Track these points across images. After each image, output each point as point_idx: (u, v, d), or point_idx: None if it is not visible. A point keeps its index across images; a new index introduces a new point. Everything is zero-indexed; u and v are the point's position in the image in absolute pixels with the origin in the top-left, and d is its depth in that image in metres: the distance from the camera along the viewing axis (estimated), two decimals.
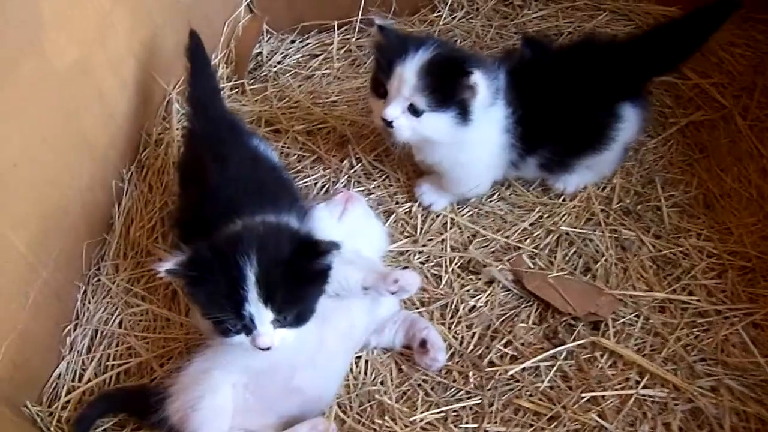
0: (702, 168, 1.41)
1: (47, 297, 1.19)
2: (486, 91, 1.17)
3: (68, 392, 1.18)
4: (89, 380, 1.19)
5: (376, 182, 1.42)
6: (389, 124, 1.18)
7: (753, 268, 1.26)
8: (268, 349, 0.98)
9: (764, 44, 1.59)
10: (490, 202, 1.38)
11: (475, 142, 1.24)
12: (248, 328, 0.98)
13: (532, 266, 1.28)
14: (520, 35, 1.36)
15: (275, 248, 0.97)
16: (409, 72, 1.15)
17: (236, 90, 1.63)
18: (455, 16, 1.67)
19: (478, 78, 1.14)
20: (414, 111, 1.17)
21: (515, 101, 1.23)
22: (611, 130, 1.27)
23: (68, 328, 1.25)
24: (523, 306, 1.24)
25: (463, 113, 1.17)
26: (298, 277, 0.98)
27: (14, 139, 1.10)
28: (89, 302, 1.29)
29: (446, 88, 1.15)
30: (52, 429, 1.12)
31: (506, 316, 1.23)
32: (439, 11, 1.69)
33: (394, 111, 1.17)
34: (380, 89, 1.20)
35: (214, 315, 0.98)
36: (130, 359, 1.22)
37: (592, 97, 1.25)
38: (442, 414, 1.13)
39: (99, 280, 1.31)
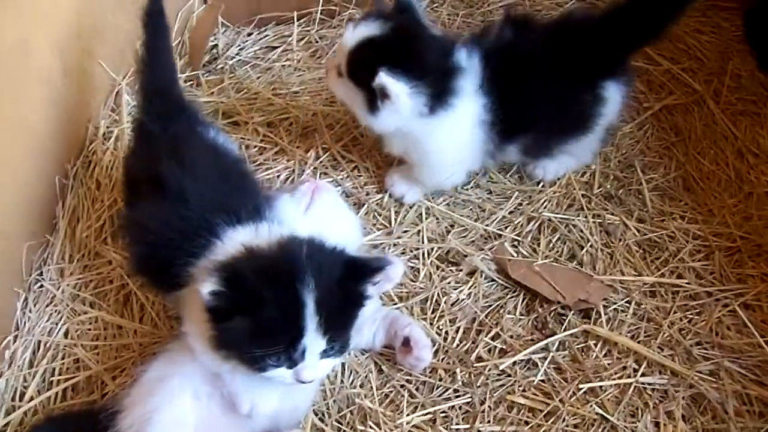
0: (679, 151, 1.37)
1: None
2: (407, 103, 1.11)
3: (8, 413, 1.05)
4: (32, 398, 1.06)
5: (344, 173, 1.34)
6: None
7: (739, 248, 1.24)
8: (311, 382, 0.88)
9: (729, 31, 1.59)
10: (467, 190, 1.31)
11: (442, 133, 1.17)
12: (294, 361, 0.86)
13: (515, 254, 1.21)
14: (504, 12, 1.28)
15: (329, 270, 0.86)
16: (344, 45, 1.16)
17: (191, 82, 1.53)
18: (420, 5, 1.61)
19: (384, 81, 1.09)
20: (340, 74, 1.17)
21: (492, 88, 1.16)
22: (595, 110, 1.22)
23: (7, 340, 1.12)
24: (509, 296, 1.17)
25: (371, 102, 1.13)
26: (348, 302, 0.89)
27: None
28: (30, 311, 1.15)
29: (362, 70, 1.13)
30: None
31: (492, 307, 1.15)
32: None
33: (331, 70, 1.19)
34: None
35: (259, 350, 0.84)
36: (77, 373, 1.09)
37: (574, 77, 1.19)
38: (430, 415, 1.04)
39: (41, 286, 1.18)
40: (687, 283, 1.18)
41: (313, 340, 0.85)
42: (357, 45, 1.14)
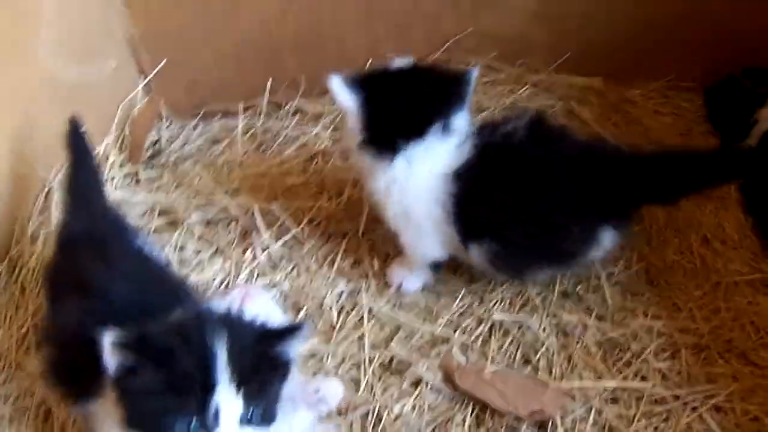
0: (641, 241, 1.30)
1: None
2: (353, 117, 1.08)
3: None
4: None
5: (283, 273, 1.25)
6: None
7: (707, 345, 1.15)
8: None
9: (690, 111, 1.55)
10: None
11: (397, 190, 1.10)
12: (209, 426, 0.79)
13: (464, 361, 1.11)
14: (534, 112, 1.15)
15: (241, 329, 0.84)
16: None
17: (130, 178, 1.47)
18: None
19: (335, 86, 1.07)
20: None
21: (466, 173, 1.07)
22: (581, 250, 1.12)
23: None
24: (456, 409, 1.07)
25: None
26: (264, 364, 0.84)
27: None
28: None
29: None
30: None
31: (438, 421, 1.05)
32: None
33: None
34: None
35: (163, 411, 0.78)
36: None
37: (574, 206, 1.07)
38: None
39: None
40: (652, 386, 1.09)
41: (227, 400, 0.79)
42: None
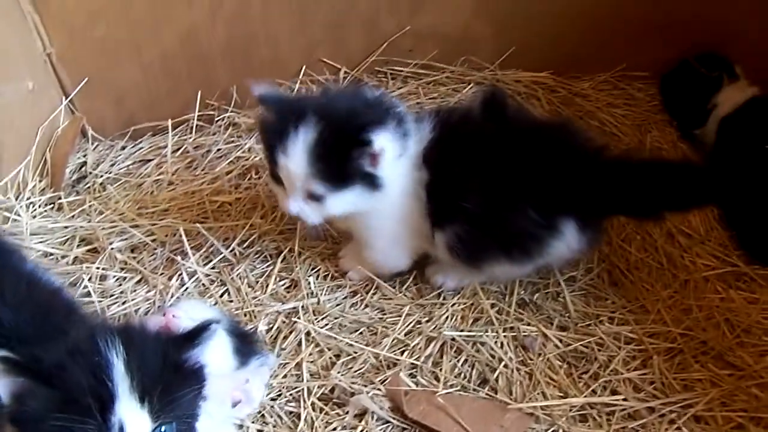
0: (602, 241, 1.20)
1: None
2: (393, 149, 1.01)
3: None
4: None
5: (213, 299, 1.14)
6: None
7: (681, 348, 1.07)
8: None
9: (645, 101, 1.48)
10: (354, 309, 1.12)
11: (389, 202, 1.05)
12: None
13: (413, 385, 1.01)
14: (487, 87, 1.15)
15: (140, 339, 0.79)
16: (294, 161, 0.99)
17: (51, 206, 1.34)
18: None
19: (382, 142, 0.98)
20: (314, 197, 1.02)
21: (432, 155, 1.04)
22: (540, 239, 1.04)
23: None
24: None
25: (371, 182, 1.01)
26: (173, 374, 0.78)
27: None
28: None
29: (340, 166, 1.00)
30: None
31: None
32: None
33: (294, 206, 1.03)
34: (277, 177, 1.04)
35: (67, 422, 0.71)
36: None
37: (535, 193, 1.02)
38: None
39: None
40: (624, 400, 1.00)
41: (131, 414, 0.72)
42: (313, 150, 0.98)
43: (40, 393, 0.72)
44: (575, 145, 1.06)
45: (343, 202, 1.02)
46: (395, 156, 1.01)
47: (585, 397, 1.00)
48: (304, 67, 1.48)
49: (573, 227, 1.04)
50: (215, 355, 0.92)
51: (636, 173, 1.04)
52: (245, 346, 1.00)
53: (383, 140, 0.98)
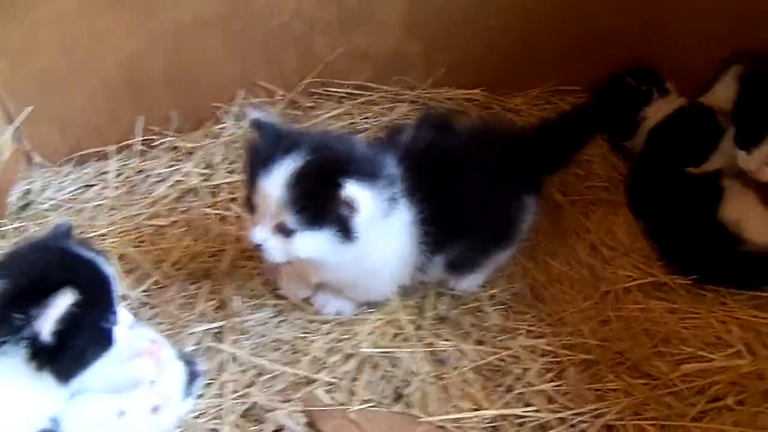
0: (525, 256, 1.24)
1: None
2: (373, 205, 0.98)
3: None
4: None
5: (143, 321, 1.16)
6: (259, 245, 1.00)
7: (596, 360, 1.08)
8: None
9: None
10: (277, 328, 1.14)
11: (375, 252, 1.05)
12: None
13: (329, 401, 1.03)
14: (422, 112, 1.25)
15: None
16: (273, 186, 0.97)
17: None
18: (241, 126, 1.50)
19: (354, 191, 0.95)
20: (284, 230, 0.98)
21: (417, 193, 1.05)
22: (521, 221, 1.17)
23: None
24: None
25: (344, 231, 0.98)
26: None
27: None
28: None
29: (319, 203, 0.97)
30: None
31: None
32: (224, 123, 1.51)
33: (261, 233, 0.99)
34: (250, 203, 1.01)
35: None
36: None
37: (504, 187, 1.13)
38: None
39: None
40: (535, 411, 1.02)
41: None
42: (293, 179, 0.96)
43: None
44: (512, 132, 1.24)
45: (311, 244, 0.99)
46: (378, 215, 1.00)
47: (498, 409, 1.02)
48: (243, 92, 1.51)
49: (532, 198, 1.18)
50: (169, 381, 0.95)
51: (553, 132, 1.26)
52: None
53: (358, 192, 0.95)
